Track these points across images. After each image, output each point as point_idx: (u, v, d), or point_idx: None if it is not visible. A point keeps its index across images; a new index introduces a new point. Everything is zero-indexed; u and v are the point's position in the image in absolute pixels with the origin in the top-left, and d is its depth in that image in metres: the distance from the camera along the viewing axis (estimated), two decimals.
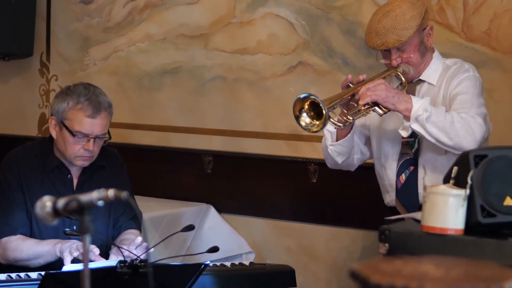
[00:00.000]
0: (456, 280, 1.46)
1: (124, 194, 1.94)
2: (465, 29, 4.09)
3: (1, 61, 5.44)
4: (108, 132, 3.35)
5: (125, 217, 3.46)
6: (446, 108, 3.27)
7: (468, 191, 2.47)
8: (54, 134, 3.35)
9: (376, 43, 3.34)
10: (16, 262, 3.27)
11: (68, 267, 2.92)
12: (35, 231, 3.31)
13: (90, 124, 3.27)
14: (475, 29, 4.07)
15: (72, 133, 3.26)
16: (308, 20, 4.52)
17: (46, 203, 2.01)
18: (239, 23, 4.73)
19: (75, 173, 3.39)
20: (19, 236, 3.29)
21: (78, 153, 3.29)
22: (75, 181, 3.39)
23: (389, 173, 3.49)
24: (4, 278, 2.94)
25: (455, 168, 2.56)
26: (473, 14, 4.07)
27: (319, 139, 3.81)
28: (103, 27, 5.18)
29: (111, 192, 1.92)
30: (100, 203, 1.94)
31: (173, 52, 4.94)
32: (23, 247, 3.25)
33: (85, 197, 1.94)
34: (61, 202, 1.98)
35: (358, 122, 3.52)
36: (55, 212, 2.00)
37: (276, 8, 4.61)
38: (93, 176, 3.41)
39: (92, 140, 3.27)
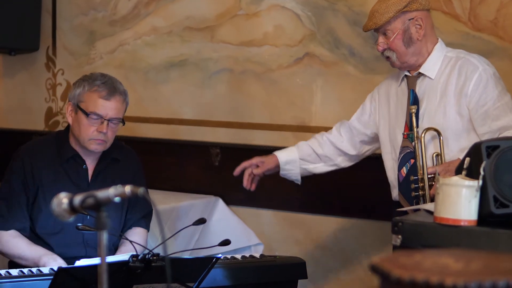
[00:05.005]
0: (476, 273, 1.47)
1: (141, 190, 1.94)
2: (472, 19, 4.09)
3: (7, 55, 5.45)
4: (123, 120, 3.37)
5: (136, 214, 3.49)
6: (460, 109, 3.30)
7: (480, 182, 2.47)
8: (70, 120, 3.38)
9: (364, 25, 3.46)
10: (3, 255, 3.38)
11: (81, 262, 2.92)
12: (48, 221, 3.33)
13: (105, 106, 3.30)
14: (482, 19, 4.07)
15: (87, 113, 3.29)
16: (314, 11, 4.52)
17: (62, 199, 2.01)
18: (245, 15, 4.72)
19: (90, 164, 3.42)
20: (11, 232, 3.33)
21: (91, 136, 3.31)
22: (90, 172, 3.41)
23: (394, 167, 3.50)
24: (17, 273, 2.94)
25: (467, 159, 2.56)
26: (479, 3, 4.06)
27: (327, 130, 3.81)
28: (109, 20, 5.17)
29: (128, 189, 1.93)
30: (117, 199, 1.94)
31: (179, 45, 4.94)
32: (10, 245, 3.32)
33: (102, 194, 1.94)
34: (78, 199, 1.99)
35: (360, 123, 3.66)
36: (72, 208, 2.01)
37: (282, 0, 4.60)
38: (108, 167, 3.44)
39: (106, 122, 3.29)
